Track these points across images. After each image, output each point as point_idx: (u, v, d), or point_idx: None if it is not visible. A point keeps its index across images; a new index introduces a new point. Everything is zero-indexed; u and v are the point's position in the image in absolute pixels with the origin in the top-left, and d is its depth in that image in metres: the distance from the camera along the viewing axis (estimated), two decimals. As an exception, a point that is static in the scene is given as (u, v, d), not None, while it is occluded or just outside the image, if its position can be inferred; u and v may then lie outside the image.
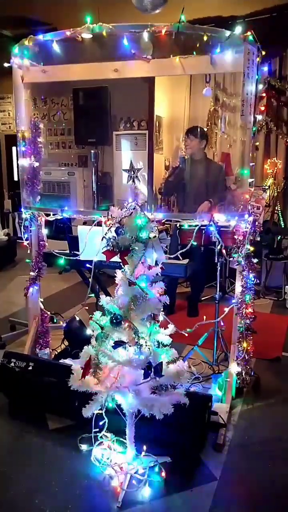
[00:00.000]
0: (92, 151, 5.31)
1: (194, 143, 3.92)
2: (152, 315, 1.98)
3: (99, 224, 2.62)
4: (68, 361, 2.71)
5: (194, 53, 2.47)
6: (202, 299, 4.51)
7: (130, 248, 1.92)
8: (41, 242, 3.02)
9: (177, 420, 1.96)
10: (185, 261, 2.99)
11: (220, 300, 3.12)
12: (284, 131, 5.18)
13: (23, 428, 2.45)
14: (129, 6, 4.53)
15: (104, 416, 2.12)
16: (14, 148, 7.60)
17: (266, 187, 5.01)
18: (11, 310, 4.22)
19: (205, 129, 5.25)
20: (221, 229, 2.66)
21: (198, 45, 2.41)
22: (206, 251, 3.73)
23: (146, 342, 1.90)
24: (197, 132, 3.96)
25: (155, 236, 1.97)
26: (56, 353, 3.17)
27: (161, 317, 2.04)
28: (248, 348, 2.71)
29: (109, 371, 1.93)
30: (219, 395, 2.66)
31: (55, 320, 3.60)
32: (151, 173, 5.16)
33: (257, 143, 4.13)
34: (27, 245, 3.02)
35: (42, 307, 3.14)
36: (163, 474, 2.05)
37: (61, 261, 3.02)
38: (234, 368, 2.67)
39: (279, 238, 4.78)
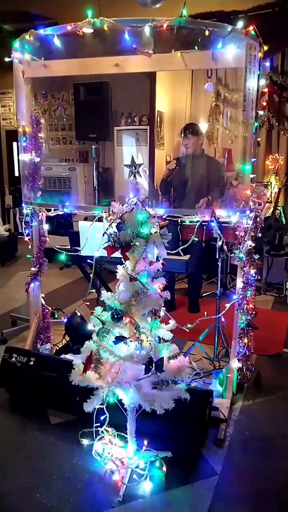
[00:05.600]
0: (93, 146, 5.30)
1: (193, 140, 3.93)
2: (153, 310, 1.98)
3: (100, 219, 2.62)
4: (69, 356, 2.72)
5: (196, 48, 2.46)
6: (203, 295, 4.52)
7: (131, 243, 1.92)
8: (42, 238, 3.02)
9: (178, 415, 1.97)
10: (186, 257, 2.99)
11: (221, 296, 3.12)
12: (286, 127, 5.16)
13: (25, 423, 2.46)
14: (130, 0, 4.50)
15: (105, 411, 2.12)
16: (15, 144, 7.58)
17: (268, 183, 5.00)
18: (12, 306, 4.23)
19: (207, 124, 5.25)
20: (223, 225, 2.66)
21: (199, 40, 2.39)
22: (207, 247, 3.74)
23: (147, 337, 1.91)
24: (194, 129, 3.98)
25: (156, 232, 1.96)
26: (57, 348, 3.18)
27: (162, 313, 2.05)
28: (249, 344, 2.71)
29: (110, 366, 1.93)
30: (220, 390, 2.67)
31: (56, 316, 3.61)
32: (152, 169, 5.15)
33: (259, 139, 4.11)
34: (28, 241, 3.02)
35: (43, 302, 3.14)
36: (164, 468, 2.06)
37: (62, 256, 3.02)
38: (235, 363, 2.67)
39: (280, 234, 4.78)
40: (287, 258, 4.79)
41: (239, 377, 2.74)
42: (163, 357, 1.92)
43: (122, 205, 1.97)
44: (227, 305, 2.71)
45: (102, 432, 2.23)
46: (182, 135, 4.00)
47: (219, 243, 2.71)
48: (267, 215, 4.89)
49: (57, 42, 2.54)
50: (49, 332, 3.19)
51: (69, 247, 3.25)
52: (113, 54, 2.66)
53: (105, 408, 2.10)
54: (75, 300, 4.29)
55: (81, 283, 4.76)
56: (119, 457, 2.11)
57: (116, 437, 2.22)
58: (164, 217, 2.61)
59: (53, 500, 1.91)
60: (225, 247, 2.71)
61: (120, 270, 2.00)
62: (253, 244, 2.62)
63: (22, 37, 2.64)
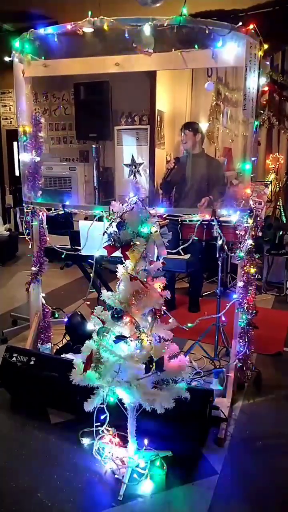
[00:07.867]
0: (93, 146, 5.30)
1: (189, 136, 3.98)
2: (154, 310, 1.98)
3: (100, 219, 2.62)
4: (69, 355, 2.72)
5: (196, 47, 2.45)
6: (203, 294, 4.52)
7: (132, 243, 1.92)
8: (42, 237, 3.02)
9: (178, 415, 1.97)
10: (187, 256, 2.99)
11: (221, 295, 3.12)
12: (286, 126, 5.15)
13: (25, 423, 2.46)
14: (131, -1, 4.50)
15: (106, 410, 2.12)
16: (15, 143, 7.58)
17: (268, 182, 5.00)
18: (13, 305, 4.23)
19: (207, 124, 5.25)
20: (223, 224, 2.65)
21: (200, 39, 2.39)
22: (207, 246, 3.73)
23: (147, 336, 1.91)
24: (191, 126, 4.04)
25: (156, 231, 1.96)
26: (58, 348, 3.18)
27: (162, 312, 2.04)
28: (249, 343, 2.71)
29: (111, 366, 1.93)
30: (221, 389, 2.66)
31: (56, 315, 3.60)
32: (153, 168, 5.16)
33: (259, 138, 4.11)
34: (29, 240, 3.02)
35: (44, 302, 3.14)
36: (164, 468, 2.06)
37: (63, 256, 3.02)
38: (235, 363, 2.67)
39: (280, 233, 4.77)
40: (287, 257, 4.79)
41: (239, 376, 2.74)
42: (163, 357, 1.91)
43: (122, 204, 1.96)
44: (228, 305, 2.71)
45: (103, 431, 2.23)
46: (181, 132, 4.04)
47: (220, 242, 2.71)
48: (267, 214, 4.89)
49: (57, 41, 2.53)
50: (50, 332, 3.19)
51: (69, 246, 3.25)
52: (113, 53, 2.66)
53: (105, 408, 2.10)
54: (76, 299, 4.28)
55: (82, 283, 4.76)
56: (119, 456, 2.11)
57: (117, 436, 2.21)
58: (164, 216, 2.60)
59: (54, 499, 1.91)
60: (225, 246, 2.71)
61: (120, 269, 2.00)
62: (253, 243, 2.62)
63: (22, 37, 2.63)
